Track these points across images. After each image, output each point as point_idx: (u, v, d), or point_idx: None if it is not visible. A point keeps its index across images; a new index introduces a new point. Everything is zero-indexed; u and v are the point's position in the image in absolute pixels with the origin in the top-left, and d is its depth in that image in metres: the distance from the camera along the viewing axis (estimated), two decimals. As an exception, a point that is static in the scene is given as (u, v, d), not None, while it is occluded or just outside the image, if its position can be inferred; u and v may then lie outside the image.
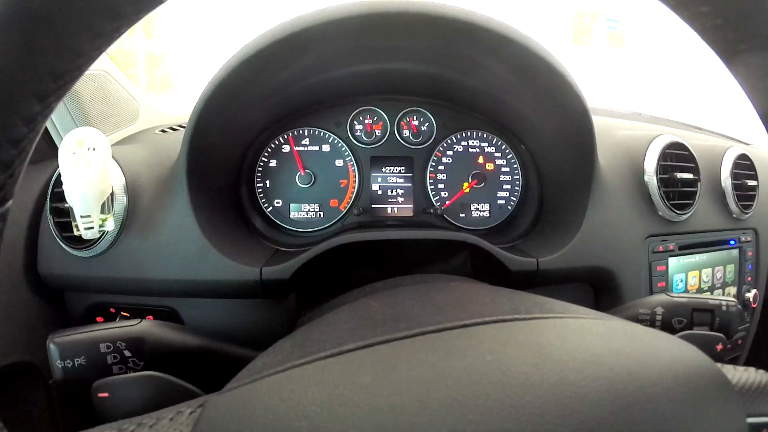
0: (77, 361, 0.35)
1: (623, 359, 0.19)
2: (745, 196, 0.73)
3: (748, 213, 0.74)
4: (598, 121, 0.54)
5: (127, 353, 0.36)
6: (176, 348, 0.39)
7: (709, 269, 0.70)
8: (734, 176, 0.71)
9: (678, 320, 0.41)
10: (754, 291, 0.76)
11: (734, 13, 0.19)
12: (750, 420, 0.22)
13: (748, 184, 0.72)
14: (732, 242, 0.74)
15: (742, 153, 0.73)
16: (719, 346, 0.38)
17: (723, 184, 0.71)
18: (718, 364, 0.22)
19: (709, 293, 0.72)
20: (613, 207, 0.58)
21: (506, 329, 0.22)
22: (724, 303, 0.40)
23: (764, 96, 0.21)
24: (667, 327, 0.41)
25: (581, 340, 0.20)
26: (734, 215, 0.72)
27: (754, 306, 0.77)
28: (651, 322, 0.42)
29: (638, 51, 2.44)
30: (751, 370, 0.24)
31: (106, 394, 0.33)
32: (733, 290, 0.75)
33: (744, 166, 0.73)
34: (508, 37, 0.44)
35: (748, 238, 0.76)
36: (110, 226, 0.47)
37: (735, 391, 0.21)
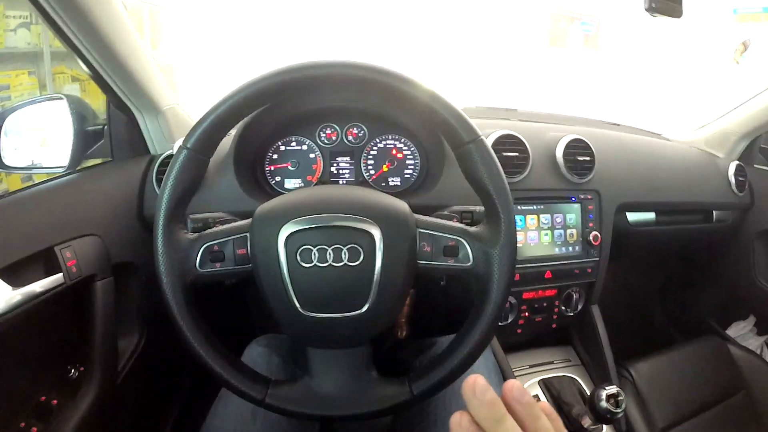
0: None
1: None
2: (581, 167, 1.09)
3: (584, 179, 1.09)
4: (534, 126, 0.96)
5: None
6: None
7: (548, 214, 1.07)
8: (565, 153, 1.07)
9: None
10: (594, 232, 1.11)
11: None
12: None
13: (578, 159, 1.08)
14: (573, 198, 1.10)
15: (576, 138, 1.09)
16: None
17: (557, 158, 1.08)
18: None
19: (549, 231, 1.08)
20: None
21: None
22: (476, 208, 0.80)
23: None
24: None
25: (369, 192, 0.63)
26: (570, 180, 1.08)
27: (596, 243, 1.11)
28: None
29: (613, 53, 2.64)
30: None
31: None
32: (576, 231, 1.11)
33: (578, 147, 1.09)
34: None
35: (589, 197, 1.11)
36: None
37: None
